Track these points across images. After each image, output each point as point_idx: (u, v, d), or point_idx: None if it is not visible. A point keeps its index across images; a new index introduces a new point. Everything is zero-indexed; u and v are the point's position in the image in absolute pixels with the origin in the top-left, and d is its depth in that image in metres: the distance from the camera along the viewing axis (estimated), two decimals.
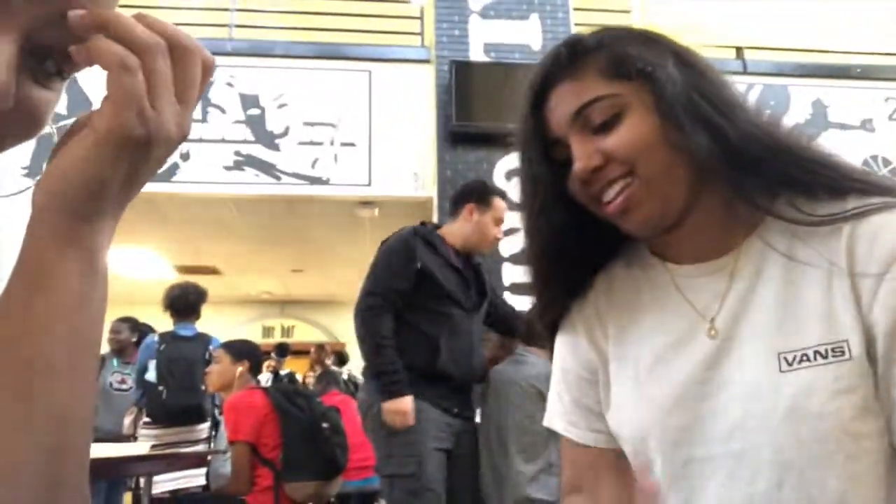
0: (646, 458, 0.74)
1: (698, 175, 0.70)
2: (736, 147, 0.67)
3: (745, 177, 0.68)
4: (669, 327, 0.75)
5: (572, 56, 0.74)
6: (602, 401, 0.80)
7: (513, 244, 4.28)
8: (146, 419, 3.56)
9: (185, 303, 3.65)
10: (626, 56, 0.72)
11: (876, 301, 0.63)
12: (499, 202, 2.42)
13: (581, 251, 0.81)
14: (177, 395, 3.50)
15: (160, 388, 3.46)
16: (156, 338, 3.75)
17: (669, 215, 0.72)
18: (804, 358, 0.65)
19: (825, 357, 0.64)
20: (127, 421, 3.90)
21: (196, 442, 3.55)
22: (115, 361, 4.71)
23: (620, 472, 0.78)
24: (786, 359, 0.65)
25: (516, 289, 4.03)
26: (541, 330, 0.86)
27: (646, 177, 0.70)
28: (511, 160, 4.41)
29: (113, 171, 0.38)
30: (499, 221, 2.42)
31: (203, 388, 3.50)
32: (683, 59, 0.73)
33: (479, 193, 2.43)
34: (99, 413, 4.45)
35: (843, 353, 0.63)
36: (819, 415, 0.63)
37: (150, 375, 3.54)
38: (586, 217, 0.77)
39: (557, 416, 0.84)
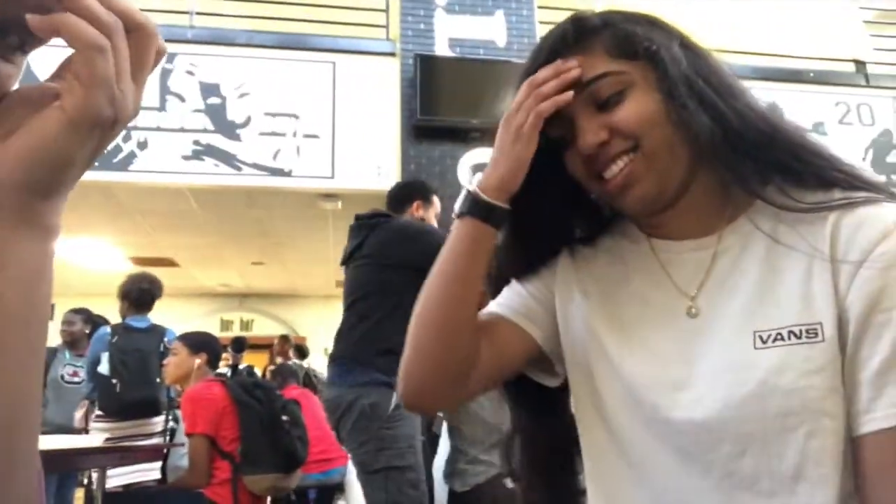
0: (607, 412, 0.76)
1: (696, 156, 0.73)
2: (735, 130, 0.70)
3: (741, 160, 0.70)
4: (650, 301, 0.77)
5: (579, 33, 0.75)
6: (566, 351, 0.83)
7: None
8: (98, 412, 3.47)
9: (139, 294, 3.56)
10: (632, 35, 0.74)
11: (852, 287, 0.66)
12: (437, 199, 2.65)
13: (559, 226, 0.84)
14: (131, 388, 3.42)
15: (113, 380, 3.38)
16: (108, 329, 3.65)
17: (666, 193, 0.74)
18: (778, 337, 0.67)
19: (798, 337, 0.66)
20: (78, 415, 3.80)
21: (151, 435, 3.49)
22: (66, 354, 4.59)
23: (524, 353, 0.83)
24: (760, 336, 0.68)
25: None
26: (493, 282, 0.87)
27: (648, 152, 0.72)
28: (474, 155, 4.43)
29: (81, 151, 0.38)
30: (437, 217, 2.63)
31: (158, 380, 3.44)
32: (685, 42, 0.76)
33: (424, 191, 2.62)
34: (49, 406, 4.34)
35: (816, 334, 0.66)
36: (788, 391, 0.65)
37: (103, 368, 3.45)
38: (572, 195, 0.80)
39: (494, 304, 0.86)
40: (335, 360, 2.24)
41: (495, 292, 0.87)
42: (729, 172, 0.71)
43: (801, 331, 0.67)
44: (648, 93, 0.72)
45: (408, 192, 2.64)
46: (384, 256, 2.26)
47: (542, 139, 0.77)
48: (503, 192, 0.77)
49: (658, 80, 0.72)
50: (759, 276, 0.71)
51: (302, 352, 7.01)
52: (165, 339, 3.60)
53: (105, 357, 3.48)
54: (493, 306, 0.85)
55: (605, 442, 0.77)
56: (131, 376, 3.43)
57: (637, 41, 0.73)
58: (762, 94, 0.80)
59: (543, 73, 0.75)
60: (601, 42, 0.74)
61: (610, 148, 0.73)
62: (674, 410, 0.71)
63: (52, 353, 4.60)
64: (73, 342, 4.63)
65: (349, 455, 2.23)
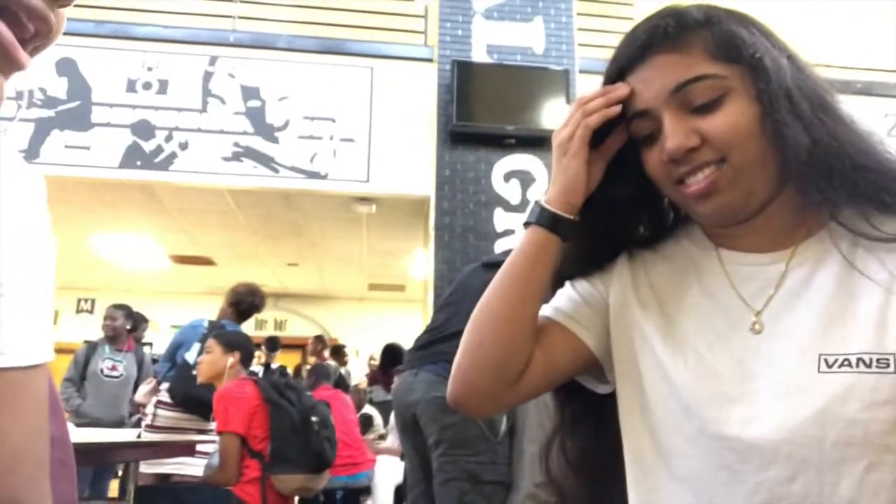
0: (655, 420, 0.74)
1: (783, 172, 0.69)
2: (828, 151, 0.67)
3: (826, 180, 0.67)
4: (713, 312, 0.74)
5: (679, 28, 0.71)
6: (615, 356, 0.80)
7: (509, 246, 4.29)
8: (162, 399, 3.39)
9: (248, 307, 3.60)
10: (736, 38, 0.70)
11: None
12: None
13: (625, 226, 0.82)
14: (203, 385, 3.33)
15: (194, 372, 3.29)
16: (205, 323, 3.64)
17: (749, 207, 0.71)
18: (846, 362, 0.64)
19: (868, 366, 0.63)
20: (144, 389, 3.70)
21: (207, 432, 3.39)
22: (106, 348, 4.69)
23: (576, 360, 0.81)
24: (826, 360, 0.65)
25: None
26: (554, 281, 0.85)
27: (737, 166, 0.69)
28: (509, 161, 4.42)
29: None
30: None
31: None
32: (786, 51, 0.72)
33: None
34: (88, 399, 4.44)
35: (887, 365, 0.62)
36: (850, 421, 0.62)
37: (191, 356, 3.39)
38: (643, 195, 0.78)
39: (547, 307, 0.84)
40: (447, 360, 2.22)
41: (552, 292, 0.85)
42: (815, 192, 0.68)
43: (871, 359, 0.63)
44: (746, 102, 0.69)
45: None
46: None
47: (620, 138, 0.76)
48: (566, 203, 0.76)
49: (758, 89, 0.68)
50: (832, 296, 0.68)
51: (339, 353, 7.04)
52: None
53: (196, 347, 3.38)
54: (547, 310, 0.82)
55: (650, 453, 0.75)
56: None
57: (741, 44, 0.69)
58: None
59: (592, 93, 0.75)
60: (701, 40, 0.70)
61: (698, 155, 0.70)
62: (725, 426, 0.68)
63: (93, 347, 4.72)
64: (114, 337, 4.74)
65: (442, 457, 2.16)
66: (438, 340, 2.25)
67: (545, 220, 0.77)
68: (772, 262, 0.73)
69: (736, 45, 0.70)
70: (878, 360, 0.63)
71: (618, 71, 0.75)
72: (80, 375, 4.58)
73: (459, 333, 2.26)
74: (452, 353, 2.07)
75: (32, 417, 0.52)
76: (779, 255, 0.73)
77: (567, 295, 0.84)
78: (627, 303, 0.80)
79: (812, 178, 0.67)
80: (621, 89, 0.73)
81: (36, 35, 0.49)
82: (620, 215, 0.82)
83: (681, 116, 0.70)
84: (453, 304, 2.31)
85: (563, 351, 0.80)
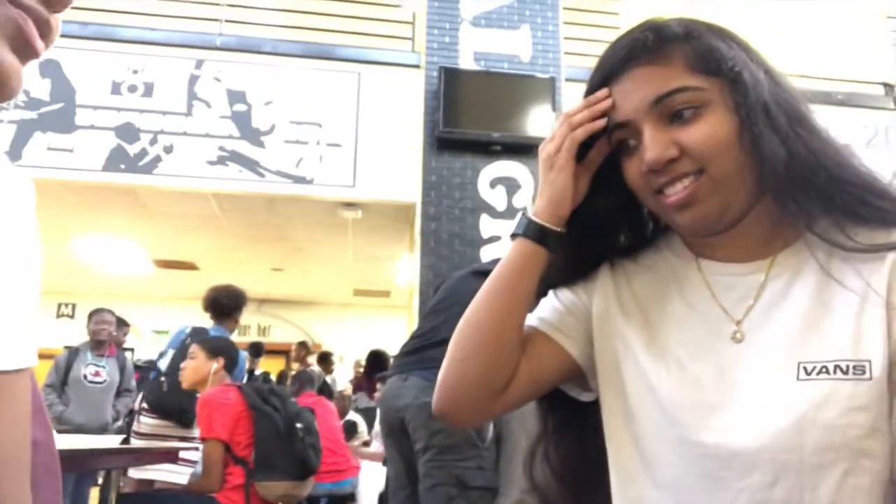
0: (638, 427, 0.75)
1: (761, 183, 0.71)
2: (805, 163, 0.68)
3: (803, 192, 0.68)
4: (693, 321, 0.75)
5: (659, 41, 0.72)
6: (599, 365, 0.81)
7: (495, 252, 4.30)
8: (146, 405, 3.28)
9: (221, 306, 3.56)
10: (715, 51, 0.71)
11: None
12: None
13: (608, 235, 0.83)
14: (172, 392, 3.26)
15: (162, 379, 3.25)
16: (188, 330, 3.59)
17: (728, 217, 0.72)
18: (823, 370, 0.65)
19: (845, 372, 0.65)
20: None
21: (190, 439, 3.33)
22: (89, 354, 4.62)
23: (561, 370, 0.82)
24: (805, 368, 0.66)
25: None
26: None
27: (715, 177, 0.70)
28: (495, 168, 4.44)
29: None
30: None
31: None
32: (763, 65, 0.74)
33: None
34: (70, 405, 4.36)
35: (863, 371, 0.64)
36: (828, 427, 0.63)
37: (164, 363, 3.33)
38: (623, 204, 0.79)
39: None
40: (436, 366, 2.23)
41: (536, 301, 0.86)
42: (792, 204, 0.69)
43: (847, 366, 0.65)
44: (724, 114, 0.70)
45: None
46: None
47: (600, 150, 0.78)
48: (553, 215, 0.78)
49: (737, 102, 0.70)
50: (809, 305, 0.70)
51: (326, 361, 6.99)
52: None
53: (170, 354, 3.38)
54: (531, 319, 0.83)
55: (633, 460, 0.76)
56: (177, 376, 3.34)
57: (720, 58, 0.71)
58: None
59: (577, 107, 0.76)
60: (681, 53, 0.72)
61: (676, 166, 0.71)
62: (706, 433, 0.69)
63: (75, 352, 4.64)
64: (100, 342, 4.66)
65: (429, 462, 2.17)
66: (428, 346, 2.25)
67: (533, 232, 0.78)
68: (751, 271, 0.74)
69: (715, 58, 0.71)
70: (854, 368, 0.65)
71: (600, 82, 0.76)
72: (62, 381, 4.50)
73: (448, 340, 2.27)
74: (441, 360, 2.11)
75: (16, 423, 0.51)
76: (758, 265, 0.74)
77: (551, 305, 0.85)
78: (610, 312, 0.81)
79: (789, 189, 0.69)
80: (604, 101, 0.75)
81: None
82: (603, 225, 0.83)
83: (660, 128, 0.71)
84: (443, 310, 2.31)
85: (549, 361, 0.81)
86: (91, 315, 4.74)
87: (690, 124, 0.70)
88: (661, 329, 0.76)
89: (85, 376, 4.53)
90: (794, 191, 0.69)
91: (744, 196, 0.71)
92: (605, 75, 0.76)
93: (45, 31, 0.45)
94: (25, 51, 0.44)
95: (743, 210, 0.72)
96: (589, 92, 0.78)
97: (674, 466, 0.71)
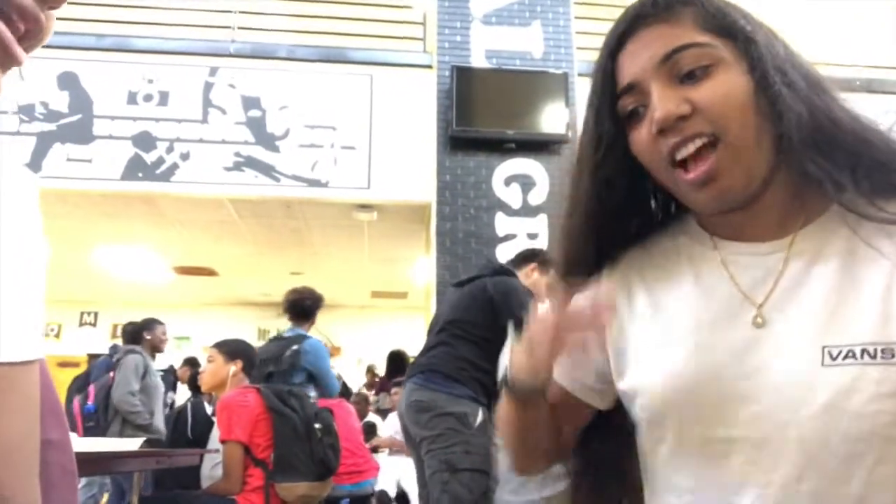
0: (660, 430, 0.71)
1: (779, 150, 0.66)
2: (827, 124, 0.64)
3: (826, 154, 0.64)
4: (710, 305, 0.71)
5: (668, 2, 0.69)
6: (613, 368, 0.77)
7: (510, 250, 4.28)
8: None
9: (306, 308, 3.63)
10: (728, 12, 0.68)
11: None
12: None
13: (622, 220, 0.78)
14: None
15: None
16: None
17: (750, 189, 0.67)
18: (850, 354, 0.62)
19: (873, 357, 0.61)
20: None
21: None
22: (152, 362, 4.56)
23: (576, 423, 0.83)
24: (830, 353, 0.62)
25: None
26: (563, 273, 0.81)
27: (734, 144, 0.65)
28: (509, 166, 4.42)
29: None
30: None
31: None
32: (777, 35, 0.71)
33: (543, 259, 2.70)
34: (156, 415, 4.27)
35: (892, 355, 0.60)
36: (856, 415, 0.60)
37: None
38: (638, 185, 0.75)
39: None
40: (433, 370, 2.42)
41: (566, 276, 0.80)
42: (813, 167, 0.65)
43: (875, 350, 0.61)
44: (738, 74, 0.66)
45: (529, 255, 2.76)
46: (494, 303, 2.45)
47: (614, 120, 0.72)
48: (533, 378, 0.73)
49: (751, 63, 0.66)
50: (834, 285, 0.65)
51: None
52: (293, 347, 3.58)
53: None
54: (560, 376, 0.81)
55: (659, 458, 0.73)
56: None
57: (732, 18, 0.68)
58: None
59: (578, 302, 0.67)
60: (691, 12, 0.68)
61: (688, 125, 0.66)
62: (732, 428, 0.66)
63: (143, 361, 4.42)
64: (158, 352, 4.65)
65: (427, 454, 2.38)
66: (420, 355, 2.54)
67: (519, 394, 0.77)
68: (771, 251, 0.70)
69: (727, 18, 0.68)
70: (882, 351, 0.61)
71: (615, 47, 0.72)
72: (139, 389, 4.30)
73: (435, 346, 2.48)
74: (426, 365, 2.43)
75: (22, 415, 0.51)
76: (778, 245, 0.70)
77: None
78: (622, 325, 0.77)
79: (811, 152, 0.65)
80: (602, 314, 0.66)
81: (26, 35, 0.49)
82: (615, 216, 0.78)
83: (670, 86, 0.67)
84: (433, 324, 2.62)
85: (586, 413, 0.84)
86: (151, 325, 4.64)
87: (702, 81, 0.66)
88: (676, 319, 0.72)
89: (158, 385, 4.46)
90: (816, 153, 0.64)
91: (764, 165, 0.67)
92: (612, 42, 0.72)
93: (35, 29, 0.45)
94: (5, 59, 0.44)
95: (765, 181, 0.68)
96: (598, 64, 0.73)
97: (700, 464, 0.68)
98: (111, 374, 4.31)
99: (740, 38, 0.67)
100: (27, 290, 0.54)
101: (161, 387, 4.48)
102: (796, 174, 0.68)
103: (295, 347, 3.57)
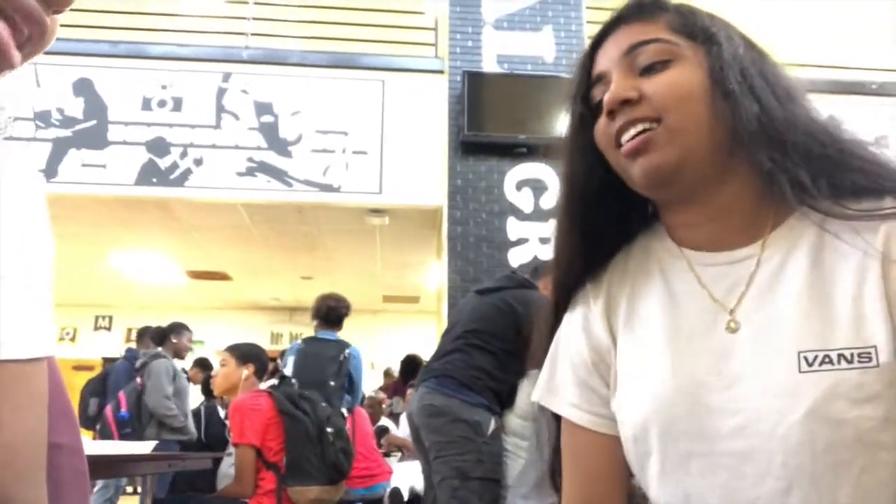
0: (645, 447, 0.71)
1: (731, 148, 0.68)
2: (781, 124, 0.66)
3: (784, 160, 0.65)
4: (683, 315, 0.71)
5: (651, 6, 0.74)
6: (610, 384, 0.76)
7: (522, 255, 4.27)
8: None
9: (326, 311, 3.69)
10: (697, 18, 0.73)
11: None
12: None
13: (607, 215, 0.79)
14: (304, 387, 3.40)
15: (293, 380, 3.40)
16: (299, 341, 3.82)
17: (685, 171, 0.68)
18: (826, 359, 0.61)
19: (850, 361, 0.60)
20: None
21: None
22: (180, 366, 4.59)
23: (616, 460, 0.75)
24: (806, 358, 0.62)
25: None
26: (556, 305, 0.82)
27: (671, 127, 0.68)
28: (521, 170, 4.42)
29: None
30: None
31: (332, 383, 3.52)
32: (749, 42, 0.73)
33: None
34: (187, 416, 4.30)
35: (869, 359, 0.60)
36: (837, 422, 0.59)
37: (288, 370, 3.56)
38: (616, 185, 0.75)
39: (554, 395, 0.79)
40: (448, 376, 2.42)
41: (560, 283, 0.82)
42: (769, 172, 0.66)
43: (851, 354, 0.60)
44: (695, 72, 0.69)
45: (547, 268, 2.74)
46: (517, 316, 2.44)
47: (588, 108, 0.75)
48: None
49: (709, 64, 0.69)
50: (806, 286, 0.65)
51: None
52: (346, 351, 3.69)
53: (291, 360, 3.61)
54: (574, 414, 0.78)
55: (649, 478, 0.71)
56: (307, 375, 3.45)
57: (699, 22, 0.72)
58: (823, 106, 0.75)
59: None
60: (665, 17, 0.73)
61: (633, 110, 0.69)
62: (715, 442, 0.65)
63: (171, 364, 4.45)
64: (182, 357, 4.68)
65: (436, 460, 2.36)
66: (434, 360, 2.52)
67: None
68: (741, 258, 0.70)
69: (694, 22, 0.72)
70: (859, 355, 0.60)
71: (588, 49, 0.77)
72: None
73: (450, 352, 2.49)
74: (440, 370, 2.40)
75: (30, 413, 0.51)
76: (748, 251, 0.70)
77: (575, 382, 0.79)
78: (612, 326, 0.77)
79: (766, 149, 0.66)
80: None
81: (29, 39, 0.49)
82: (601, 201, 0.78)
83: (628, 76, 0.71)
84: (450, 329, 2.59)
85: (618, 450, 0.79)
86: (178, 329, 4.68)
87: (656, 74, 0.70)
88: (652, 333, 0.73)
89: (186, 388, 4.47)
90: (770, 149, 0.66)
91: (706, 152, 0.68)
92: (594, 41, 0.77)
93: (38, 32, 0.45)
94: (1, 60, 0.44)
95: (706, 171, 0.69)
96: (578, 60, 0.78)
97: (686, 480, 0.67)
98: (138, 379, 4.34)
99: (703, 38, 0.71)
100: (33, 288, 0.54)
101: (189, 389, 4.51)
102: (757, 177, 0.69)
103: (347, 352, 3.67)
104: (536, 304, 2.46)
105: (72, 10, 0.50)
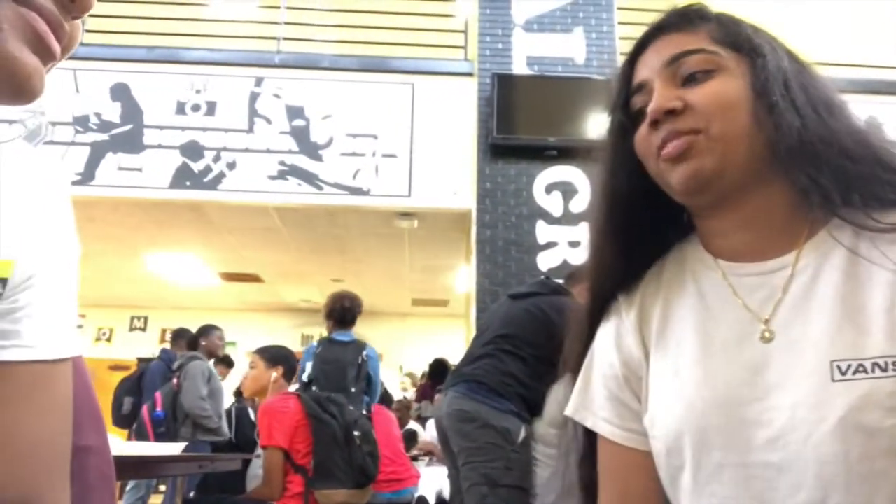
0: (679, 460, 0.69)
1: (770, 159, 0.68)
2: (818, 143, 0.66)
3: (816, 166, 0.65)
4: (717, 325, 0.71)
5: (691, 15, 0.75)
6: (642, 398, 0.76)
7: (551, 258, 4.24)
8: None
9: (341, 312, 3.70)
10: (739, 27, 0.73)
11: None
12: None
13: (643, 224, 0.79)
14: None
15: (313, 387, 3.41)
16: (315, 343, 3.77)
17: (724, 178, 0.68)
18: (860, 368, 0.60)
19: (884, 370, 0.59)
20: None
21: None
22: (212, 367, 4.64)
23: (650, 476, 0.74)
24: (839, 367, 0.61)
25: None
26: (590, 314, 0.82)
27: (713, 135, 0.68)
28: (551, 173, 4.38)
29: None
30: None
31: (353, 389, 3.50)
32: (793, 55, 0.73)
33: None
34: (223, 419, 4.34)
35: None
36: (872, 431, 0.58)
37: (305, 375, 3.52)
38: (653, 194, 0.75)
39: (587, 409, 0.79)
40: (478, 381, 2.39)
41: (596, 291, 0.82)
42: (804, 178, 0.66)
43: (886, 363, 0.59)
44: (739, 83, 0.69)
45: (578, 275, 2.70)
46: (550, 323, 2.41)
47: (629, 118, 0.75)
48: None
49: (753, 77, 0.69)
50: (840, 296, 0.65)
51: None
52: (364, 353, 3.66)
53: (309, 366, 3.55)
54: (607, 433, 0.77)
55: (682, 491, 0.70)
56: (328, 382, 3.48)
57: (742, 33, 0.72)
58: (859, 106, 0.74)
59: None
60: (707, 27, 0.73)
61: (677, 121, 0.69)
62: (750, 453, 0.64)
63: (207, 366, 4.49)
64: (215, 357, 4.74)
65: (465, 465, 2.33)
66: (463, 364, 2.48)
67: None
68: (776, 268, 0.70)
69: (737, 33, 0.72)
70: (894, 363, 0.59)
71: (628, 58, 0.77)
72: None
73: (481, 357, 2.48)
74: (471, 374, 2.31)
75: (53, 415, 0.51)
76: (782, 261, 0.70)
77: (610, 399, 0.78)
78: (645, 339, 0.76)
79: (802, 163, 0.66)
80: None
81: None
82: (636, 214, 0.79)
83: (671, 85, 0.71)
84: (481, 333, 2.54)
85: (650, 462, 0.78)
86: (205, 331, 4.73)
87: (700, 84, 0.70)
88: (686, 345, 0.72)
89: (221, 389, 4.50)
90: (805, 163, 0.66)
91: (745, 161, 0.68)
92: (634, 50, 0.77)
93: (60, 35, 0.45)
94: (42, 50, 0.44)
95: (743, 178, 0.69)
96: (619, 70, 0.78)
97: (718, 492, 0.66)
98: (174, 380, 4.40)
99: (747, 50, 0.71)
100: (59, 290, 0.54)
101: (223, 391, 4.56)
102: (792, 188, 0.68)
103: (365, 354, 3.65)
104: (570, 311, 2.41)
105: (109, 17, 0.51)
